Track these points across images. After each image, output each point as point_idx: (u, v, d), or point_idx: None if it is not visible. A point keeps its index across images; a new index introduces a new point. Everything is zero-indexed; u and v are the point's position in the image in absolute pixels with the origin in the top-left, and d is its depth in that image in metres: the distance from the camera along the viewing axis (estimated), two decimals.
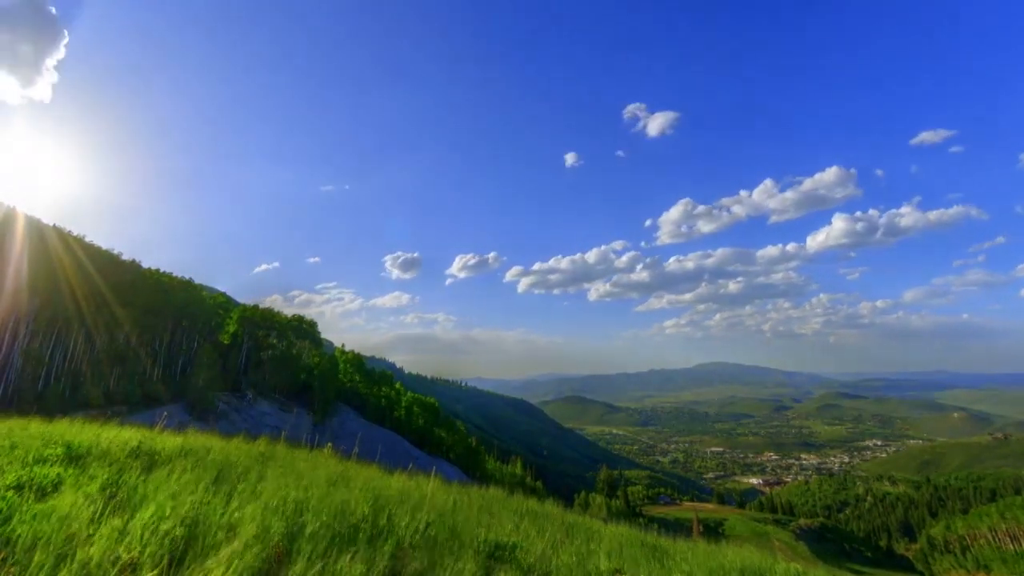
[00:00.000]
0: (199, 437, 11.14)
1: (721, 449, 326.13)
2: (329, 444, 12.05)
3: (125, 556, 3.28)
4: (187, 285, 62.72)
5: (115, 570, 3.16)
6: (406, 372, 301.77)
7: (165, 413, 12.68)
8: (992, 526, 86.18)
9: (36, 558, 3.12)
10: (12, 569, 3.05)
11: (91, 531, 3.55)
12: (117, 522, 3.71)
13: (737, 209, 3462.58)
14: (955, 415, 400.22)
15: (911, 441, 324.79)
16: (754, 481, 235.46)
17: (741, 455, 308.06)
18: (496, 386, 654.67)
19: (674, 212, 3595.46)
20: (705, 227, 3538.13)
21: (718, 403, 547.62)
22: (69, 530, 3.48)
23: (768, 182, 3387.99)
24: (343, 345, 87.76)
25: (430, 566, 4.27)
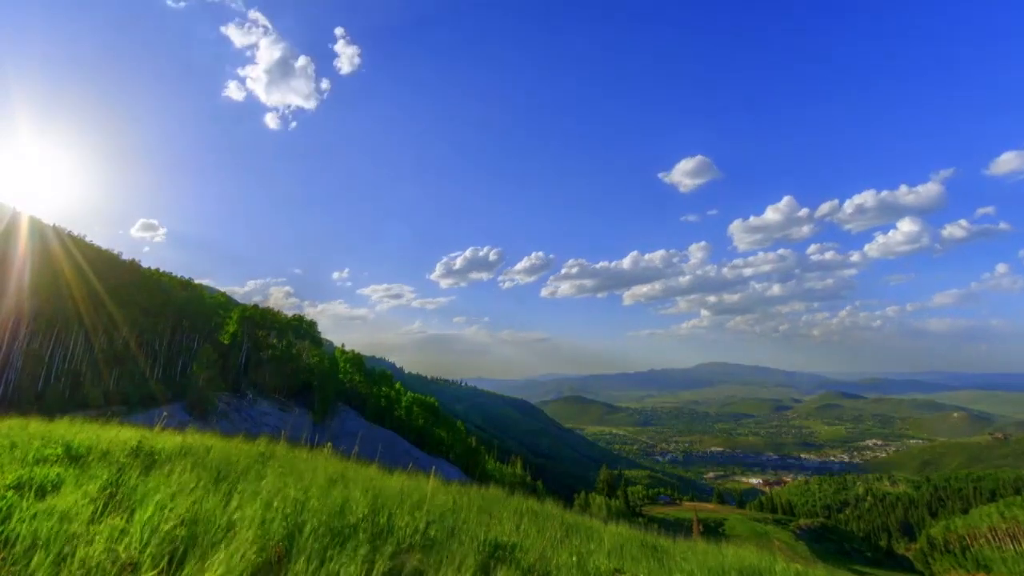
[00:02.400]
0: (199, 437, 11.13)
1: (721, 449, 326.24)
2: (329, 444, 12.01)
3: (125, 556, 3.28)
4: (187, 285, 62.85)
5: (115, 570, 3.16)
6: (406, 372, 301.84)
7: (165, 413, 12.67)
8: (992, 526, 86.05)
9: (36, 558, 3.11)
10: (12, 569, 3.05)
11: (91, 531, 3.55)
12: (117, 522, 3.71)
13: (832, 218, 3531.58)
14: (955, 415, 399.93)
15: (911, 441, 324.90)
16: (754, 481, 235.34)
17: (741, 455, 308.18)
18: (496, 386, 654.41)
19: (770, 213, 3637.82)
20: (795, 234, 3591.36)
21: (718, 403, 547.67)
22: (69, 530, 3.48)
23: (867, 193, 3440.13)
24: (343, 345, 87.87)
25: (430, 566, 4.27)
